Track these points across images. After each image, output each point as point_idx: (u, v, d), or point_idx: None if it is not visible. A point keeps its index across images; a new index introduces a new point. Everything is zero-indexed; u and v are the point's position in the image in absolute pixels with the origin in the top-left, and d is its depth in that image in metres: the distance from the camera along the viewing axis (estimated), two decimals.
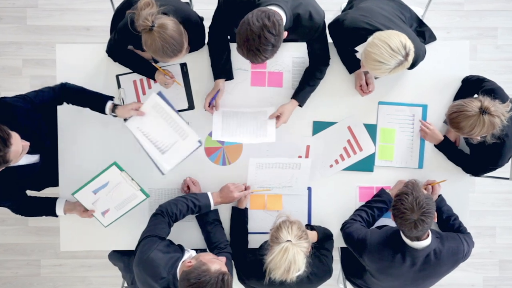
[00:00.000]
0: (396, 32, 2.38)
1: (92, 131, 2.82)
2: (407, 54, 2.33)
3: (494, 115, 2.35)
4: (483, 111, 2.35)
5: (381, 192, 2.82)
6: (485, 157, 2.66)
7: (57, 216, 2.77)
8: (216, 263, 2.25)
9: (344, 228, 2.70)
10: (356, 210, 2.81)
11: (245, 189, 2.80)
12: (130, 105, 2.67)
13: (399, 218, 2.31)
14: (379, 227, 2.69)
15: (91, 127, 2.82)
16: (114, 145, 2.83)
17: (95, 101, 2.65)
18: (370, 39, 2.37)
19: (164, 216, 2.55)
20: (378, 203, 2.78)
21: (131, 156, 2.81)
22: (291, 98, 2.77)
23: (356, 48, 2.57)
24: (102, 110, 2.65)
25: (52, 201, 2.76)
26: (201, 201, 2.67)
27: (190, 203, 2.63)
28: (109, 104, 2.64)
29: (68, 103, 2.66)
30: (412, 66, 2.52)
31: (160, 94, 2.69)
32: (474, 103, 2.38)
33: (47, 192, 2.89)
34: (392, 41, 2.30)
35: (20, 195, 2.67)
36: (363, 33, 2.46)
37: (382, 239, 2.52)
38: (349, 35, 2.54)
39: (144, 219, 2.72)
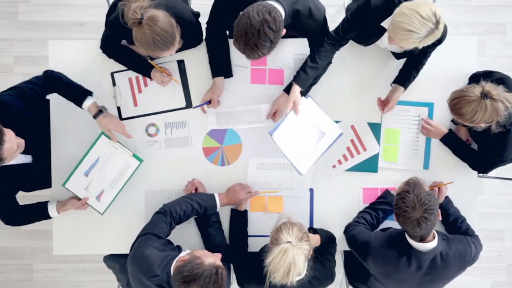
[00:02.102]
0: (424, 0, 2.32)
1: (86, 129, 2.82)
2: (437, 22, 2.27)
3: (496, 99, 2.34)
4: (484, 95, 2.34)
5: (386, 194, 2.82)
6: (490, 148, 2.65)
7: (50, 217, 2.77)
8: (211, 257, 2.26)
9: (347, 231, 2.70)
10: (360, 212, 2.81)
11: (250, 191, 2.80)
12: (116, 123, 2.64)
13: (401, 217, 2.32)
14: (383, 230, 2.69)
15: (84, 125, 2.82)
16: None
17: (73, 93, 2.62)
18: (397, 9, 2.32)
19: (167, 215, 2.55)
20: (382, 204, 2.78)
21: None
22: (283, 90, 2.78)
23: (382, 24, 2.51)
24: (79, 104, 2.62)
25: (43, 205, 2.75)
26: (207, 202, 2.67)
27: (195, 204, 2.63)
28: (88, 103, 2.60)
29: (51, 92, 2.64)
30: (439, 41, 2.47)
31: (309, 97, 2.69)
32: (475, 88, 2.37)
33: (38, 194, 2.89)
34: (421, 8, 2.25)
35: (11, 199, 2.66)
36: (391, 5, 2.39)
37: (387, 241, 2.52)
38: (376, 12, 2.45)
39: (139, 222, 2.72)
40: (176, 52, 2.77)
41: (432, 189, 2.75)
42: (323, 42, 2.62)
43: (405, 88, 2.77)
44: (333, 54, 2.68)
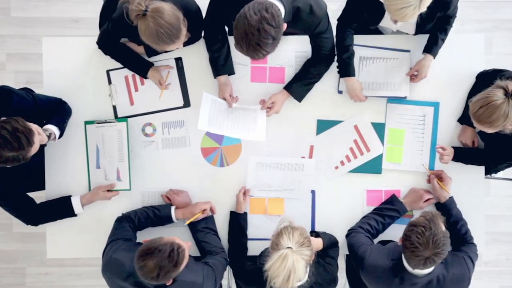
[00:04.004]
0: None
1: (77, 128, 2.82)
2: None
3: None
4: (510, 95, 2.28)
5: (393, 200, 2.79)
6: (502, 152, 2.63)
7: (76, 215, 2.76)
8: (172, 238, 2.29)
9: (349, 236, 2.69)
10: (365, 217, 2.78)
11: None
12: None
13: (409, 251, 2.25)
14: (385, 242, 2.67)
15: (76, 125, 2.82)
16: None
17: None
18: None
19: (123, 220, 2.65)
20: (390, 211, 2.75)
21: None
22: (283, 88, 2.79)
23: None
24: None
25: (66, 200, 2.74)
26: (162, 212, 2.72)
27: (150, 212, 2.70)
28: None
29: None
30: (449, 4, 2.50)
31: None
32: (496, 91, 2.32)
33: (35, 196, 2.88)
34: None
35: (23, 196, 2.67)
36: None
37: (382, 259, 2.48)
38: None
39: None
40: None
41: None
42: (343, 32, 2.69)
43: (433, 55, 2.73)
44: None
